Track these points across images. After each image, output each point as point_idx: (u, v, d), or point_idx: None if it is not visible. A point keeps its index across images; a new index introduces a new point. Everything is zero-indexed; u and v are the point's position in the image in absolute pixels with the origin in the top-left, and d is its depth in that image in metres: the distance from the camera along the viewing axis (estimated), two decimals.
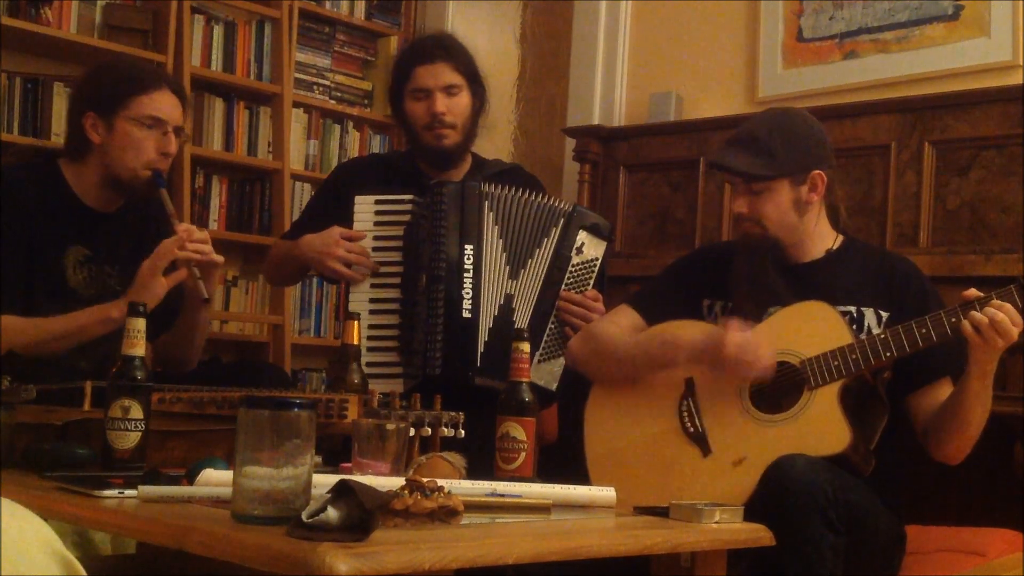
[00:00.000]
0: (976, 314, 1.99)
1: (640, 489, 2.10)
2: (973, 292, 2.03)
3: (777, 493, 1.91)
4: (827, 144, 2.31)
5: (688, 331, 2.25)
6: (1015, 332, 1.98)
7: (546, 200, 2.68)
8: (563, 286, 2.64)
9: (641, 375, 2.29)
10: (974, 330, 1.98)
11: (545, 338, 2.62)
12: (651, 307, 2.39)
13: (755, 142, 2.25)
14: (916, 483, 2.38)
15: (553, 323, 2.63)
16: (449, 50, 2.73)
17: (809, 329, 2.16)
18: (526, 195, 2.66)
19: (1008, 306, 1.98)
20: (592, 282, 2.67)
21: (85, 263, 2.56)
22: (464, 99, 2.74)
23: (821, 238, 2.32)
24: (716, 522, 1.71)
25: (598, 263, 2.68)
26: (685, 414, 2.21)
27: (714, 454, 2.16)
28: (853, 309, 2.22)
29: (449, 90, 2.71)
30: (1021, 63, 3.04)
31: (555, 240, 2.65)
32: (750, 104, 3.54)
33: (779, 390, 2.16)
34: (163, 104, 2.55)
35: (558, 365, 2.61)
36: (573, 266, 2.65)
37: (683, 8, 3.78)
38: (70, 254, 2.54)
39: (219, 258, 2.50)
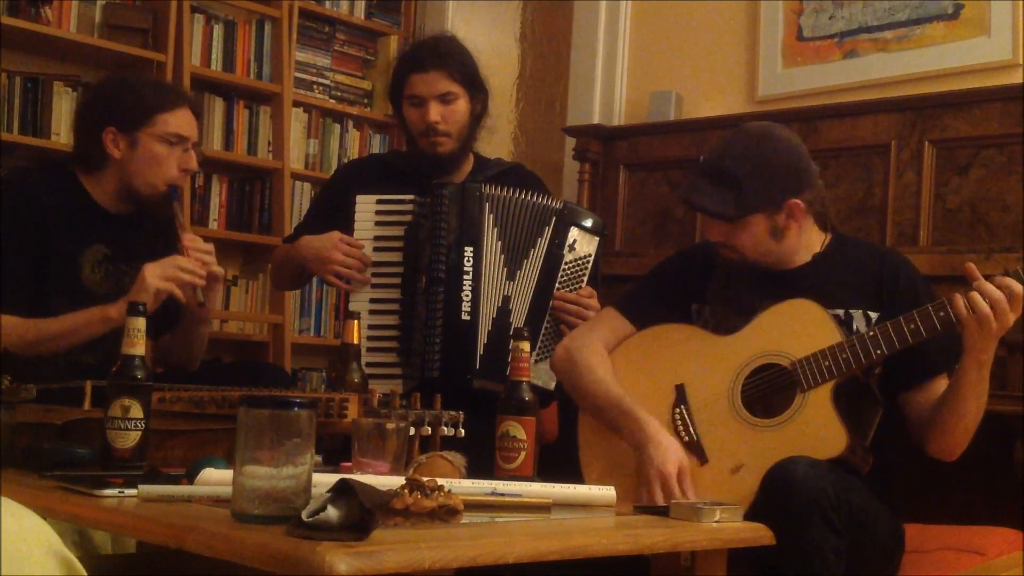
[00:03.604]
0: (970, 293, 1.96)
1: (639, 502, 2.08)
2: (972, 268, 1.99)
3: (780, 496, 1.89)
4: (804, 167, 2.20)
5: (648, 424, 2.15)
6: (1010, 317, 1.95)
7: (539, 199, 2.68)
8: (557, 284, 2.64)
9: (600, 419, 2.26)
10: (967, 310, 1.96)
11: (541, 338, 2.61)
12: (638, 311, 2.35)
13: (724, 175, 2.15)
14: (916, 482, 2.38)
15: (548, 323, 2.63)
16: (444, 57, 2.71)
17: (797, 329, 2.13)
18: (521, 195, 2.66)
19: (1007, 281, 1.96)
20: (586, 279, 2.67)
21: (103, 262, 2.56)
22: (460, 106, 2.72)
23: (807, 246, 2.26)
24: (716, 521, 1.71)
25: (591, 259, 2.68)
26: (678, 422, 2.19)
27: (711, 462, 2.14)
28: (841, 312, 2.18)
29: (444, 98, 2.70)
30: (1021, 62, 3.04)
31: (548, 239, 2.65)
32: (750, 103, 3.54)
33: (771, 392, 2.15)
34: (184, 122, 2.57)
35: None
36: (566, 263, 2.65)
37: (683, 8, 3.77)
38: (89, 252, 2.55)
39: (220, 270, 2.53)
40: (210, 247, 2.53)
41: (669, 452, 2.10)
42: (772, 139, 2.19)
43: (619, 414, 2.20)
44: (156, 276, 2.39)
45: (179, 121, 2.56)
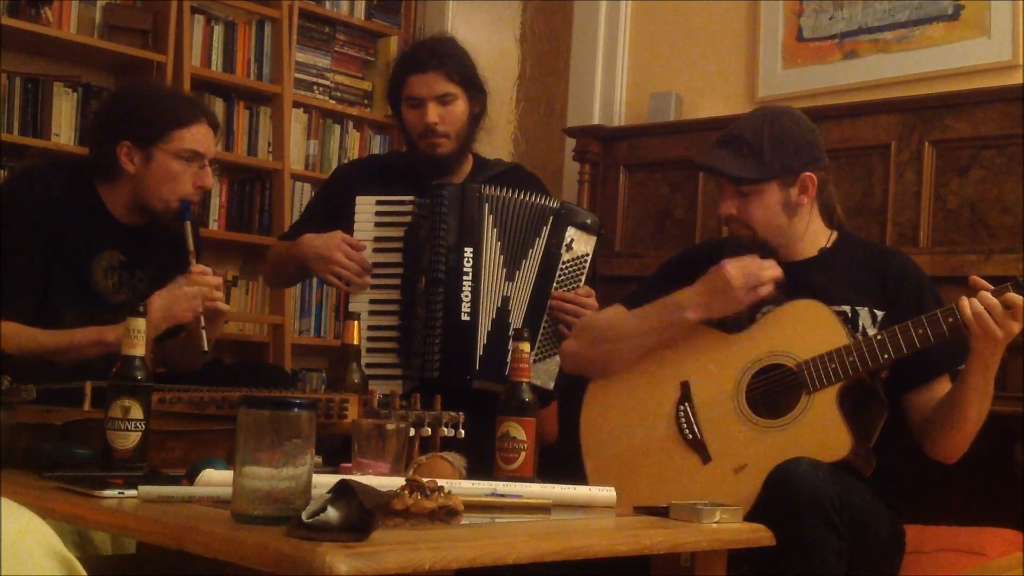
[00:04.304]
0: (975, 300, 1.97)
1: (641, 499, 2.08)
2: (978, 280, 2.00)
3: (781, 497, 1.89)
4: (818, 144, 2.27)
5: (683, 289, 2.23)
6: (1015, 325, 1.95)
7: (537, 199, 2.68)
8: (555, 284, 2.64)
9: (650, 346, 2.26)
10: (974, 317, 1.96)
11: (539, 337, 2.62)
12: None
13: (743, 143, 2.21)
14: (916, 483, 2.38)
15: (546, 322, 2.63)
16: (443, 59, 2.71)
17: (804, 330, 2.13)
18: (520, 195, 2.66)
19: (1010, 297, 1.96)
20: (584, 278, 2.67)
21: (117, 268, 2.55)
22: (459, 107, 2.72)
23: (814, 237, 2.28)
24: (716, 522, 1.71)
25: (588, 259, 2.69)
26: (683, 420, 2.19)
27: (714, 461, 2.14)
28: (847, 309, 2.19)
29: (442, 99, 2.70)
30: (1021, 63, 3.04)
31: (545, 239, 2.65)
32: (750, 104, 3.53)
33: (776, 392, 2.15)
34: (201, 138, 2.54)
35: (554, 364, 2.61)
36: (564, 263, 2.66)
37: (683, 8, 3.78)
38: (103, 258, 2.53)
39: (226, 307, 2.51)
40: (219, 281, 2.49)
41: (720, 266, 2.18)
42: (789, 114, 2.28)
43: (663, 308, 2.24)
44: (160, 308, 2.38)
45: (196, 137, 2.53)
